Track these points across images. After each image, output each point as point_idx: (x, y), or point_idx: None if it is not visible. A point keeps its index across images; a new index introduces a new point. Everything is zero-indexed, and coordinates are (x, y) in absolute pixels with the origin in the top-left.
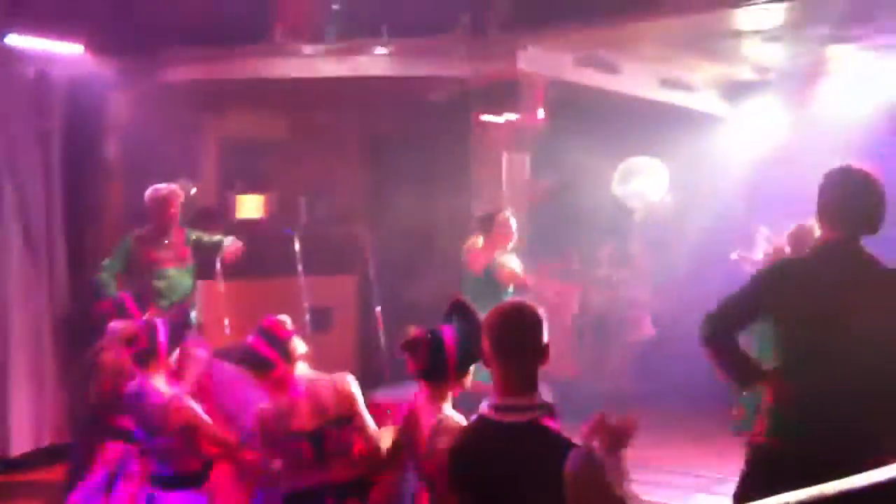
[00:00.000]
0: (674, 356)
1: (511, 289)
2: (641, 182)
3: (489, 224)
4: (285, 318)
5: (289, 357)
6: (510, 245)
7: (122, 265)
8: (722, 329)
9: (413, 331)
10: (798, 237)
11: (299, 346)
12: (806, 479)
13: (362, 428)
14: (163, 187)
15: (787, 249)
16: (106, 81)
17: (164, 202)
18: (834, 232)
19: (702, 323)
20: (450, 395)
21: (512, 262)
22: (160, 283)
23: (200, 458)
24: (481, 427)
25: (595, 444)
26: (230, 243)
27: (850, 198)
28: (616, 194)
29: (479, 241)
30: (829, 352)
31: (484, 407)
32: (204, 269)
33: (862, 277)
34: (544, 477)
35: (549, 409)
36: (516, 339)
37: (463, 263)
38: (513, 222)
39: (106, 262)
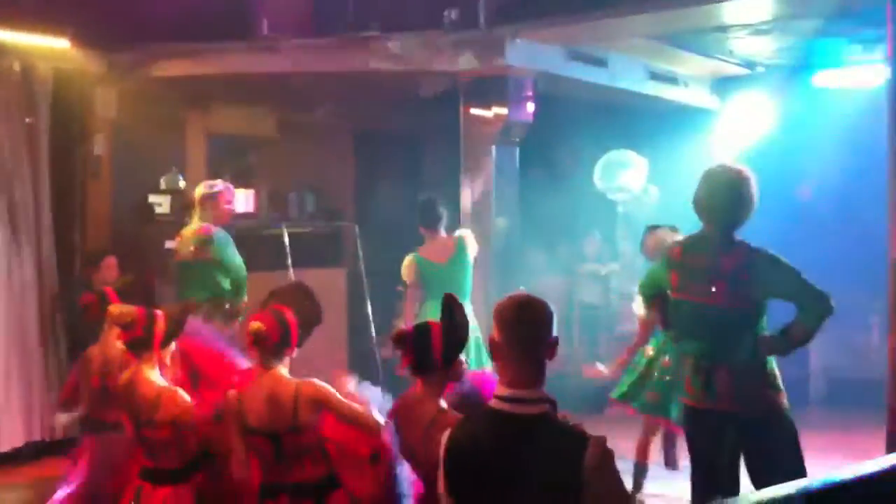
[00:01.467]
0: None
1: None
2: (623, 174)
3: (439, 218)
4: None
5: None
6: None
7: None
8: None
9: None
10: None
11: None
12: (721, 431)
13: (346, 417)
14: (217, 182)
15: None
16: (93, 76)
17: (220, 198)
18: (704, 223)
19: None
20: (444, 389)
21: (469, 236)
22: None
23: (189, 453)
24: (491, 419)
25: None
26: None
27: (716, 198)
28: (598, 187)
29: (417, 254)
30: (705, 319)
31: (493, 400)
32: None
33: (726, 261)
34: (561, 468)
35: (554, 403)
36: (529, 332)
37: (420, 264)
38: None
39: (237, 260)
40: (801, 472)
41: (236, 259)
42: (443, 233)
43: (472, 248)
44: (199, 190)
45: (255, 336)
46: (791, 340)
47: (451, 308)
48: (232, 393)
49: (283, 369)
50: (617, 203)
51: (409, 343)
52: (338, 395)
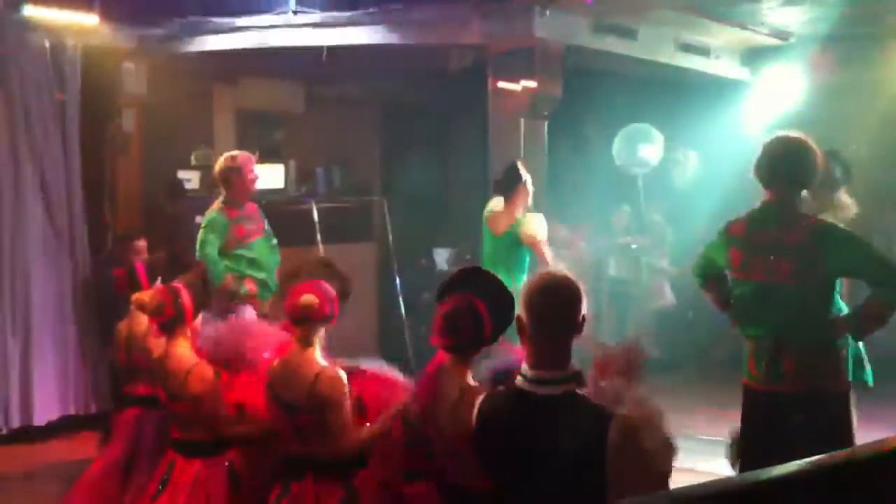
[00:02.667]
0: (694, 324)
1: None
2: (641, 148)
3: (514, 184)
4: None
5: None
6: (528, 202)
7: (222, 241)
8: (708, 271)
9: (447, 304)
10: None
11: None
12: (781, 413)
13: (337, 429)
14: (237, 154)
15: None
16: (122, 52)
17: (242, 169)
18: (772, 194)
19: (693, 268)
20: (472, 363)
21: (535, 224)
22: (252, 255)
23: (218, 428)
24: (516, 399)
25: (607, 380)
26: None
27: (786, 164)
28: (617, 161)
29: (500, 202)
30: (771, 298)
31: (518, 379)
32: None
33: (792, 236)
34: (584, 447)
35: (580, 379)
36: (555, 314)
37: (484, 224)
38: (529, 180)
39: (205, 241)
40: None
41: (207, 248)
42: (512, 205)
43: (527, 233)
44: (221, 164)
45: (308, 310)
46: (867, 320)
47: (495, 289)
48: (269, 362)
49: (317, 349)
50: (637, 177)
51: (467, 323)
52: (346, 402)
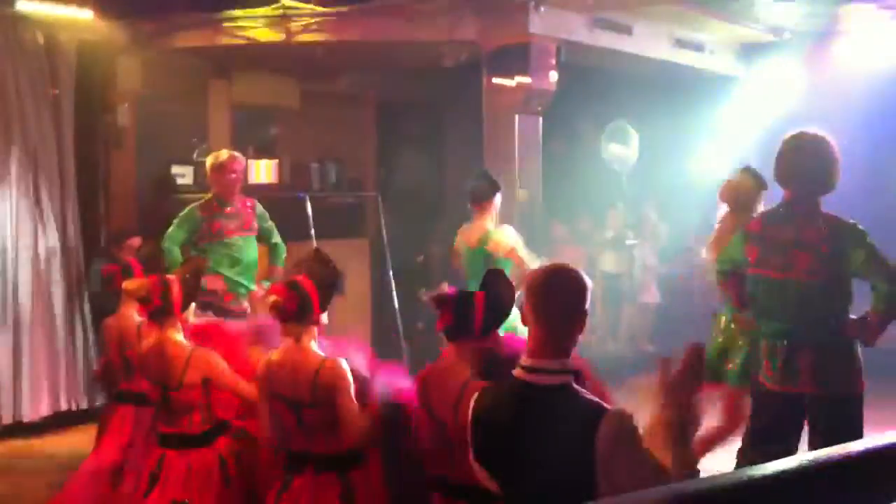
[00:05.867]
0: (680, 321)
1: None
2: (625, 145)
3: (490, 194)
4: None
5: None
6: (497, 207)
7: (187, 235)
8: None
9: (446, 288)
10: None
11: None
12: (793, 413)
13: (343, 417)
14: (223, 153)
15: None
16: (116, 47)
17: (224, 168)
18: (789, 193)
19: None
20: (476, 358)
21: (507, 236)
22: (227, 251)
23: (213, 417)
24: (513, 388)
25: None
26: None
27: (801, 162)
28: (603, 157)
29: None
30: (786, 296)
31: (516, 369)
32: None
33: (810, 233)
34: (574, 440)
35: (579, 374)
36: (559, 304)
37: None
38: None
39: (170, 231)
40: None
41: (166, 240)
42: (483, 214)
43: (503, 248)
44: (207, 161)
45: (275, 309)
46: (870, 326)
47: (498, 281)
48: (263, 358)
49: (311, 341)
50: (622, 174)
51: (451, 305)
52: (350, 388)
